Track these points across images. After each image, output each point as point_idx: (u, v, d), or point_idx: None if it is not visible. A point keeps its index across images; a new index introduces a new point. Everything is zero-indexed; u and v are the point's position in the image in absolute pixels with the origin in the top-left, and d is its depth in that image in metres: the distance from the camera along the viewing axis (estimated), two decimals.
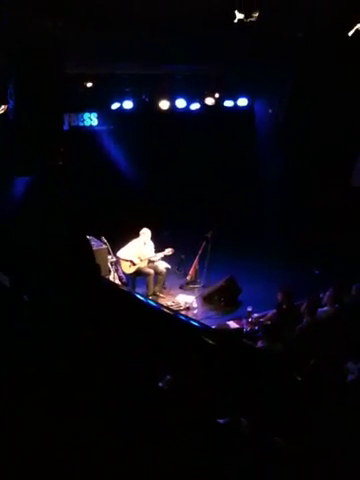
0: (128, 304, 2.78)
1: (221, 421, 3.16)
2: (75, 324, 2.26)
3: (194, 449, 2.29)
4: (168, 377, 3.19)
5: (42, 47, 7.56)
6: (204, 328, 2.89)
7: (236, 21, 6.96)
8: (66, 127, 10.35)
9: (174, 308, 9.48)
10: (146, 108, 11.31)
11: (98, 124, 12.03)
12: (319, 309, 7.72)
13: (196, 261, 10.75)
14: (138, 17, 7.81)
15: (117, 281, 10.01)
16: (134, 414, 2.30)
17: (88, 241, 2.40)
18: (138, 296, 3.11)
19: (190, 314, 9.49)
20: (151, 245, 10.46)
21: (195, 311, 9.77)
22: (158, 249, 10.51)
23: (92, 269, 2.34)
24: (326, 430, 2.39)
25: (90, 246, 2.35)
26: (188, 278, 10.84)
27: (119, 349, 2.46)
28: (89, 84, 10.13)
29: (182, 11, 7.57)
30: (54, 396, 2.12)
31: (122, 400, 2.33)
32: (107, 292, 2.69)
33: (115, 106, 11.06)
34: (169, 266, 10.68)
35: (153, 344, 2.60)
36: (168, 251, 10.43)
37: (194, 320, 3.11)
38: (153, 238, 10.51)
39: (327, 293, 7.92)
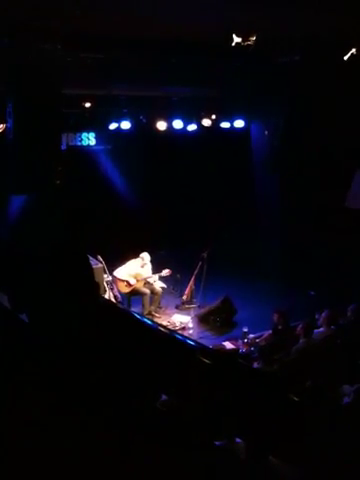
0: (126, 323, 2.78)
1: (217, 443, 3.14)
2: (73, 341, 2.26)
3: (190, 471, 2.27)
4: (163, 397, 3.17)
5: (41, 68, 7.65)
6: (200, 347, 2.89)
7: (234, 44, 7.07)
8: (64, 147, 10.41)
9: (170, 328, 9.45)
10: (143, 129, 11.39)
11: (96, 144, 12.10)
12: (315, 330, 7.72)
13: (192, 281, 10.74)
14: (135, 41, 7.92)
15: (112, 300, 9.98)
16: (129, 435, 2.29)
17: (88, 258, 2.40)
18: (136, 315, 3.11)
19: (186, 334, 9.45)
20: (149, 267, 10.46)
21: (191, 331, 9.74)
22: (155, 270, 10.51)
23: (91, 287, 2.35)
24: (322, 451, 2.38)
25: (90, 263, 2.36)
26: (184, 298, 10.82)
27: (115, 368, 2.46)
28: (87, 104, 10.22)
29: (179, 35, 7.67)
30: (49, 412, 2.11)
31: (117, 420, 2.32)
32: (105, 311, 2.69)
33: (113, 126, 11.14)
34: (165, 286, 10.67)
35: (149, 363, 2.59)
36: (165, 272, 10.43)
37: (190, 339, 3.11)
38: (150, 258, 10.52)
39: (323, 314, 7.93)
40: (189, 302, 10.80)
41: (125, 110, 10.99)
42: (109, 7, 6.41)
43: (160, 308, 10.65)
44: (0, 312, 2.93)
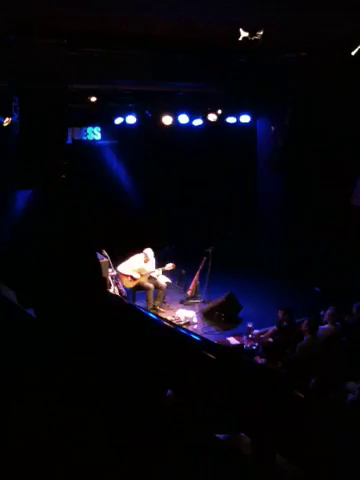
0: (131, 318, 2.77)
1: (221, 437, 3.14)
2: (79, 338, 2.26)
3: (193, 464, 2.27)
4: (169, 392, 3.17)
5: (46, 63, 7.63)
6: (205, 343, 2.88)
7: (241, 39, 7.02)
8: (69, 141, 10.40)
9: (174, 323, 9.45)
10: (149, 123, 11.36)
11: (101, 138, 12.09)
12: (320, 327, 7.69)
13: (197, 276, 10.75)
14: (141, 38, 7.89)
15: (117, 294, 9.99)
16: (135, 428, 2.29)
17: (95, 254, 2.39)
18: (141, 310, 3.11)
19: (190, 329, 9.45)
20: (153, 262, 10.46)
21: (195, 326, 9.74)
22: (159, 264, 10.51)
23: (98, 282, 2.34)
24: (327, 448, 2.37)
25: (97, 258, 2.34)
26: (188, 293, 10.83)
27: (120, 362, 2.45)
28: (93, 99, 10.20)
29: (186, 32, 7.63)
30: (55, 409, 2.11)
31: (123, 414, 2.31)
32: (112, 306, 2.69)
33: (118, 121, 11.12)
34: (169, 281, 10.67)
35: (154, 358, 2.58)
36: (169, 266, 10.43)
37: (195, 334, 3.10)
38: (154, 253, 10.52)
39: (328, 311, 7.91)
40: (194, 297, 10.81)
41: (130, 105, 10.97)
42: (114, 6, 6.37)
43: (165, 303, 10.65)
44: (7, 308, 2.93)
